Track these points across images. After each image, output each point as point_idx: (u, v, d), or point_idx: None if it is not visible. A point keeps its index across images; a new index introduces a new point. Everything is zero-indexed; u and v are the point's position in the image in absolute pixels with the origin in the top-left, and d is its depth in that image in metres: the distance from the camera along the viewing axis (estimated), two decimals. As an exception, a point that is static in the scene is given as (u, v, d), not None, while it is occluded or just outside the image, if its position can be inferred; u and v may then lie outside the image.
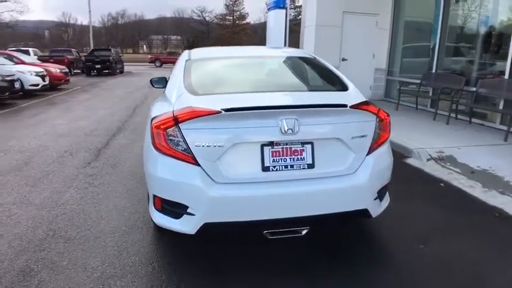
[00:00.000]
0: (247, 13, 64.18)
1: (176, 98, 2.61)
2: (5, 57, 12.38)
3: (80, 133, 6.81)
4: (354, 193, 2.49)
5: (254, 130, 2.34)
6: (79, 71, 23.39)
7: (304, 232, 2.52)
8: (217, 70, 3.23)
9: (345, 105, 2.43)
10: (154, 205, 2.57)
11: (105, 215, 3.50)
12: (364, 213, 2.55)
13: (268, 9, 14.70)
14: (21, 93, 10.67)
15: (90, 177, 4.52)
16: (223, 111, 2.26)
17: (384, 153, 2.66)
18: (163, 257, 2.82)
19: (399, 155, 5.49)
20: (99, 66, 21.69)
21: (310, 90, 2.89)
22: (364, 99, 2.63)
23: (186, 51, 3.65)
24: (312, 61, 3.54)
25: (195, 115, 2.30)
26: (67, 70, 14.74)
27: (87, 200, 3.84)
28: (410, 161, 5.22)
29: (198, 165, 2.33)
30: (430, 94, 8.37)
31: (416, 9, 9.90)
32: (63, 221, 3.36)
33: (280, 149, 2.38)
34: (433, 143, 5.62)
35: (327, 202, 2.45)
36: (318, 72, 3.41)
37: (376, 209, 2.64)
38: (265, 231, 2.46)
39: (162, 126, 2.39)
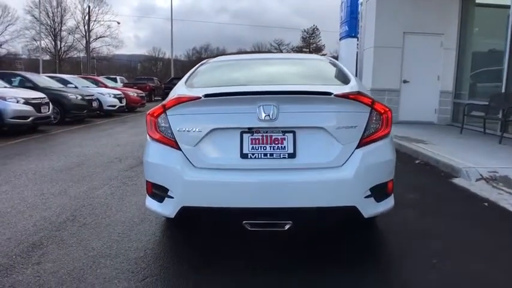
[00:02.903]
0: (324, 45, 64.54)
1: (173, 92, 2.76)
2: (91, 82, 14.07)
3: (135, 144, 7.39)
4: (339, 188, 2.35)
5: (233, 116, 2.37)
6: (159, 98, 25.49)
7: (286, 227, 2.42)
8: (223, 69, 3.34)
9: (329, 93, 2.35)
10: (146, 190, 2.69)
11: (124, 208, 3.73)
12: (354, 211, 2.38)
13: (340, 39, 14.67)
14: (98, 112, 11.97)
15: (127, 178, 4.85)
16: (203, 97, 2.34)
17: (380, 149, 2.47)
18: (158, 245, 2.91)
19: (446, 174, 5.03)
20: (175, 92, 23.39)
21: (304, 83, 2.83)
22: (357, 90, 2.51)
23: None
24: (324, 62, 3.49)
25: (178, 101, 2.42)
26: (143, 94, 16.21)
27: (116, 195, 4.13)
28: (456, 180, 4.74)
29: (179, 149, 2.41)
30: (500, 116, 7.57)
31: (485, 26, 9.20)
32: (86, 210, 3.64)
33: (260, 137, 2.37)
34: (488, 164, 5.04)
35: (308, 195, 2.35)
36: (325, 71, 3.33)
37: (370, 209, 2.43)
38: (244, 222, 2.42)
39: (154, 114, 2.54)
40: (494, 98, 7.64)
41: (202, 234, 3.18)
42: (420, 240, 3.00)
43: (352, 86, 2.64)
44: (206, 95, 2.34)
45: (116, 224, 3.30)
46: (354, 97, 2.40)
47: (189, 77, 3.08)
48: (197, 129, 2.37)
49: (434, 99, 9.78)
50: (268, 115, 2.30)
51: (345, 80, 2.86)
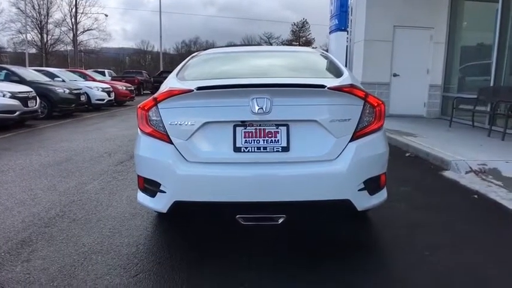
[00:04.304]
0: (313, 38, 64.45)
1: (165, 85, 2.71)
2: (79, 75, 13.84)
3: (124, 139, 7.30)
4: (333, 181, 2.35)
5: (226, 109, 2.34)
6: (149, 92, 25.25)
7: (280, 221, 2.41)
8: (215, 62, 3.29)
9: (322, 86, 2.34)
10: (138, 185, 2.65)
11: (115, 203, 3.68)
12: (347, 204, 2.38)
13: (330, 32, 14.65)
14: (86, 106, 11.79)
15: (117, 173, 4.79)
16: (195, 90, 2.30)
17: (373, 142, 2.47)
18: (150, 241, 2.88)
19: (435, 167, 5.08)
20: (165, 86, 23.21)
21: (297, 77, 2.83)
22: (350, 83, 2.50)
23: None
24: (316, 55, 3.47)
25: (170, 94, 2.38)
26: (132, 88, 16.01)
27: (106, 190, 4.07)
28: (446, 173, 4.78)
29: (171, 143, 2.38)
30: (488, 110, 7.65)
31: (474, 21, 9.27)
32: (76, 206, 3.58)
33: (253, 130, 2.34)
34: (477, 157, 5.10)
35: (302, 188, 2.33)
36: (318, 63, 3.31)
37: (363, 202, 2.44)
38: (238, 216, 2.40)
39: (145, 108, 2.49)
40: (482, 92, 7.72)
41: (195, 228, 3.15)
42: (412, 233, 3.02)
43: (345, 79, 2.63)
44: (199, 88, 2.31)
45: (106, 220, 3.26)
46: (347, 90, 2.39)
47: (181, 69, 3.03)
48: (189, 123, 2.34)
49: (424, 92, 9.85)
50: (262, 108, 2.28)
51: (337, 72, 2.85)
